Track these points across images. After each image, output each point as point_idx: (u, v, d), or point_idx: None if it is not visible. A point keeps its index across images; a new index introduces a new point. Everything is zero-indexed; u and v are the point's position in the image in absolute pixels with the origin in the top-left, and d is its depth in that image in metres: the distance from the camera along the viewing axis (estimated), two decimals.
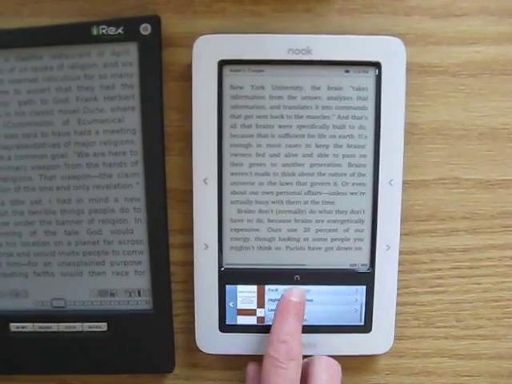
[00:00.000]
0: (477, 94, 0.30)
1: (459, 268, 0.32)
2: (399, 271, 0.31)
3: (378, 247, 0.30)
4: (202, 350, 0.31)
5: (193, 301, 0.31)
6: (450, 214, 0.31)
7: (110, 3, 0.30)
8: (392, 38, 0.29)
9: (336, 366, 0.29)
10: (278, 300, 0.29)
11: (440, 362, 0.32)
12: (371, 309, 0.30)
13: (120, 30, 0.29)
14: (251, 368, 0.30)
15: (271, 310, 0.30)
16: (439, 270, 0.32)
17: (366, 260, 0.30)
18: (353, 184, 0.30)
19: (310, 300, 0.30)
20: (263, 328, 0.31)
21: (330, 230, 0.30)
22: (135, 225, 0.30)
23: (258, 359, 0.31)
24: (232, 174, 0.30)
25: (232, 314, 0.31)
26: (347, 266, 0.30)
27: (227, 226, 0.30)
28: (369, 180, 0.30)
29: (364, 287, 0.30)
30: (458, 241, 0.31)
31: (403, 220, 0.30)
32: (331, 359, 0.29)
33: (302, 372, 0.28)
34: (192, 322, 0.31)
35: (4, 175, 0.30)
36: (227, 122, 0.29)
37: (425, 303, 0.32)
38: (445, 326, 0.32)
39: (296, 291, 0.29)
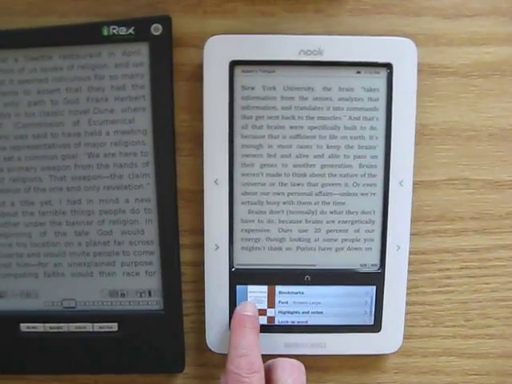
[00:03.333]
0: (487, 95, 0.30)
1: (468, 268, 0.32)
2: (408, 271, 0.31)
3: (388, 247, 0.30)
4: (213, 349, 0.31)
5: (203, 301, 0.31)
6: (460, 215, 0.31)
7: (119, 3, 0.29)
8: (403, 38, 0.29)
9: (299, 368, 0.29)
10: (232, 316, 0.29)
11: (448, 361, 0.33)
12: (381, 309, 0.31)
13: (131, 31, 0.28)
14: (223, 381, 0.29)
15: (281, 312, 0.31)
16: (448, 269, 0.32)
17: (376, 260, 0.30)
18: (363, 185, 0.30)
19: (319, 300, 0.31)
20: (274, 328, 0.31)
21: (340, 231, 0.30)
22: (146, 225, 0.30)
23: (267, 359, 0.31)
24: (243, 174, 0.30)
25: None
26: (357, 267, 0.30)
27: (238, 226, 0.30)
28: (379, 181, 0.30)
29: (374, 287, 0.30)
30: (467, 241, 0.31)
31: (413, 220, 0.30)
32: (294, 361, 0.29)
33: (266, 376, 0.27)
34: (202, 322, 0.31)
35: (14, 176, 0.30)
36: (238, 122, 0.29)
37: (433, 303, 0.32)
38: (453, 326, 0.32)
39: (249, 306, 0.30)
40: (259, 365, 0.27)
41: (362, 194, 0.30)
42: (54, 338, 0.31)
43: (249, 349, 0.27)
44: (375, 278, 0.30)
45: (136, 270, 0.30)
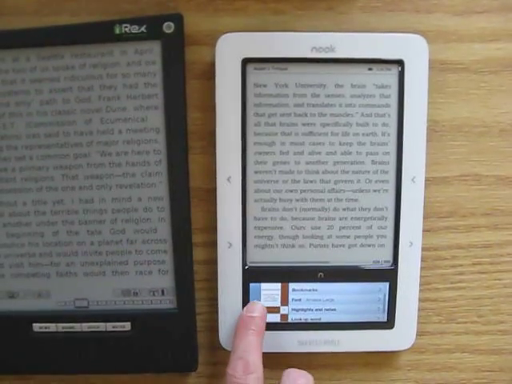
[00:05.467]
0: (498, 91, 0.30)
1: (480, 264, 0.32)
2: (421, 267, 0.31)
3: (400, 244, 0.30)
4: (226, 348, 0.31)
5: (216, 299, 0.31)
6: (471, 211, 0.31)
7: (130, 2, 0.29)
8: (414, 35, 0.29)
9: (305, 376, 0.28)
10: (238, 317, 0.29)
11: (461, 357, 0.33)
12: (394, 305, 0.31)
13: (143, 29, 0.28)
14: None
15: (295, 310, 0.31)
16: (460, 266, 0.32)
17: (389, 257, 0.30)
18: (376, 181, 0.30)
19: (333, 297, 0.31)
20: (287, 325, 0.31)
21: (353, 228, 0.30)
22: (159, 224, 0.30)
23: (280, 357, 0.31)
24: (256, 172, 0.30)
25: None
26: (370, 263, 0.31)
27: (251, 224, 0.30)
28: (392, 177, 0.30)
29: (387, 284, 0.30)
30: (479, 237, 0.32)
31: (425, 217, 0.30)
32: (302, 371, 0.28)
33: None
34: (215, 321, 0.31)
35: (26, 175, 0.30)
36: (251, 120, 0.29)
37: (446, 299, 0.32)
38: (466, 322, 0.32)
39: (255, 306, 0.30)
40: (256, 365, 0.27)
41: (375, 191, 0.30)
42: (66, 337, 0.31)
43: (246, 351, 0.27)
44: (388, 275, 0.30)
45: (149, 269, 0.30)
